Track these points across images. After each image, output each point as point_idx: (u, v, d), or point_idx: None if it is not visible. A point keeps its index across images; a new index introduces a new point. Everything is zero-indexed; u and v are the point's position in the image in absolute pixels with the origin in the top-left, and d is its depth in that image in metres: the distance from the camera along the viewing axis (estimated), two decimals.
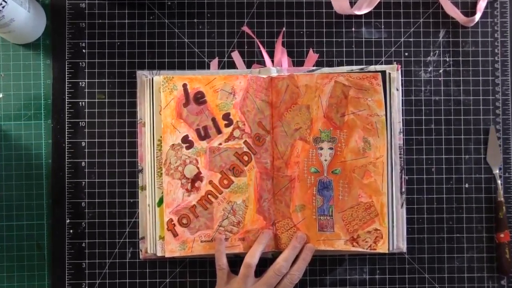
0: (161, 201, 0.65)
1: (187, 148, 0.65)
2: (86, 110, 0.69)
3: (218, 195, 0.65)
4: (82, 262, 0.68)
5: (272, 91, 0.65)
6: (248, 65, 0.70)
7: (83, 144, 0.69)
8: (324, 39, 0.70)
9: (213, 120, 0.65)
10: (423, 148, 0.70)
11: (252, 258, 0.60)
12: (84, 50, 0.69)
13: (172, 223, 0.64)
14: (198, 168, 0.64)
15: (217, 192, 0.65)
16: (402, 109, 0.69)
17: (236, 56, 0.69)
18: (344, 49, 0.70)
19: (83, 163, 0.69)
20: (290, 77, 0.65)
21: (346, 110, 0.64)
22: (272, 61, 0.69)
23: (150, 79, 0.66)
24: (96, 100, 0.69)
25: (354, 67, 0.68)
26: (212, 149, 0.65)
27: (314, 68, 0.69)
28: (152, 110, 0.66)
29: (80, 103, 0.69)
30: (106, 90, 0.69)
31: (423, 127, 0.70)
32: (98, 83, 0.69)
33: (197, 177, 0.64)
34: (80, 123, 0.69)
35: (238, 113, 0.65)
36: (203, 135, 0.65)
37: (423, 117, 0.70)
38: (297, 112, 0.65)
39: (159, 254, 0.65)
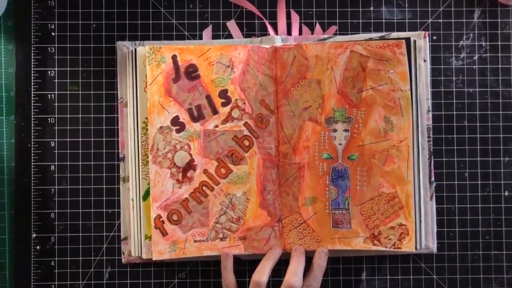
0: (147, 194, 0.61)
1: (178, 131, 0.61)
2: (56, 104, 0.65)
3: (214, 186, 0.61)
4: (51, 284, 0.64)
5: (276, 64, 0.62)
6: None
7: (53, 144, 0.65)
8: (337, 20, 0.65)
9: (208, 98, 0.62)
10: (454, 149, 0.65)
11: (262, 276, 0.57)
12: (53, 33, 0.65)
13: (161, 220, 0.60)
14: (190, 155, 0.61)
15: (213, 183, 0.61)
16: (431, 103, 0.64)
17: (232, 26, 0.65)
18: (361, 33, 0.65)
19: (52, 167, 0.65)
20: (298, 47, 0.61)
21: (364, 84, 0.61)
22: (276, 32, 0.65)
23: (132, 50, 0.62)
24: (68, 92, 0.65)
25: (374, 35, 0.64)
26: (206, 132, 0.61)
27: (326, 36, 0.64)
28: (135, 87, 0.62)
29: (49, 95, 0.65)
30: (80, 80, 0.65)
31: (454, 124, 0.65)
32: (70, 72, 0.65)
33: (190, 165, 0.61)
34: (49, 119, 0.65)
35: (237, 89, 0.62)
36: (196, 116, 0.61)
37: (454, 113, 0.65)
38: (306, 88, 0.62)
39: (144, 256, 0.61)
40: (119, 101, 0.63)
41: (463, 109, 0.65)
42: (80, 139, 0.65)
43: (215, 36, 0.64)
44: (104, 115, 0.65)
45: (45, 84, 0.65)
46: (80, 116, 0.65)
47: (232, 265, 0.60)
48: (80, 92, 0.65)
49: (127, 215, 0.63)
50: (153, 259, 0.60)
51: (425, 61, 0.62)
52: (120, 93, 0.63)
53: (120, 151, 0.63)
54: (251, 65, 0.62)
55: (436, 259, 0.64)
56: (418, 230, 0.60)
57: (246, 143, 0.62)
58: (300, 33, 0.64)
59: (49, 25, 0.65)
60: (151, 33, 0.65)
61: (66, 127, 0.65)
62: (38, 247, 0.64)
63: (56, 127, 0.65)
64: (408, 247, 0.59)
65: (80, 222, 0.64)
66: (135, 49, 0.61)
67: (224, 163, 0.61)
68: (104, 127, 0.64)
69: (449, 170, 0.65)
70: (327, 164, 0.61)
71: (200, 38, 0.64)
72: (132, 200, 0.62)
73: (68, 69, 0.65)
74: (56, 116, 0.65)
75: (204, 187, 0.61)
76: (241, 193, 0.61)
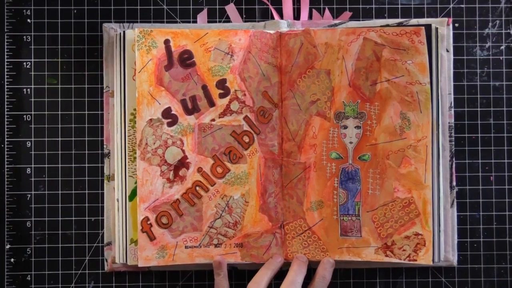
0: (133, 194, 0.60)
1: (170, 124, 0.60)
2: (33, 100, 0.63)
3: (209, 187, 0.60)
4: None
5: (281, 51, 0.60)
6: None
7: (29, 144, 0.63)
8: (348, 6, 0.63)
9: (204, 88, 0.60)
10: (478, 150, 0.63)
11: (258, 286, 0.55)
12: (29, 20, 0.63)
13: (148, 222, 0.59)
14: (183, 151, 0.60)
15: (208, 184, 0.60)
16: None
17: (231, 10, 0.63)
18: (373, 19, 0.63)
19: (28, 170, 0.63)
20: (305, 33, 0.60)
21: (378, 76, 0.59)
22: (281, 17, 0.63)
23: (120, 33, 0.61)
24: (46, 86, 0.63)
25: (390, 21, 0.62)
26: (202, 126, 0.60)
27: (337, 21, 0.62)
28: (123, 75, 0.60)
29: (25, 90, 0.63)
30: (59, 73, 0.63)
31: (479, 122, 0.63)
32: (48, 64, 0.63)
33: (182, 163, 0.60)
34: (25, 116, 0.63)
35: (237, 79, 0.60)
36: (191, 108, 0.60)
37: (479, 109, 0.63)
38: (314, 79, 0.60)
39: (129, 262, 0.60)
40: (105, 91, 0.62)
41: (489, 105, 0.64)
42: (60, 139, 0.63)
43: (211, 22, 0.63)
44: (86, 112, 0.63)
45: (20, 77, 0.63)
46: (59, 113, 0.63)
47: (226, 270, 0.58)
48: (59, 86, 0.63)
49: (111, 218, 0.61)
50: (139, 265, 0.58)
51: (447, 51, 0.60)
52: (106, 82, 0.62)
53: (105, 146, 0.62)
54: (253, 52, 0.60)
55: (458, 273, 0.63)
56: (436, 241, 0.58)
57: (246, 139, 0.60)
58: (310, 17, 0.62)
59: (24, 10, 0.63)
60: (139, 21, 0.62)
61: (44, 125, 0.63)
62: (12, 260, 0.63)
63: (33, 125, 0.63)
64: (424, 259, 0.57)
65: (60, 232, 0.63)
66: (124, 32, 0.60)
67: (221, 162, 0.60)
68: (86, 125, 0.63)
69: (472, 173, 0.64)
70: (335, 164, 0.60)
71: None
72: (117, 200, 0.60)
73: (46, 60, 0.63)
74: (32, 113, 0.63)
75: (197, 188, 0.60)
76: (239, 195, 0.60)
